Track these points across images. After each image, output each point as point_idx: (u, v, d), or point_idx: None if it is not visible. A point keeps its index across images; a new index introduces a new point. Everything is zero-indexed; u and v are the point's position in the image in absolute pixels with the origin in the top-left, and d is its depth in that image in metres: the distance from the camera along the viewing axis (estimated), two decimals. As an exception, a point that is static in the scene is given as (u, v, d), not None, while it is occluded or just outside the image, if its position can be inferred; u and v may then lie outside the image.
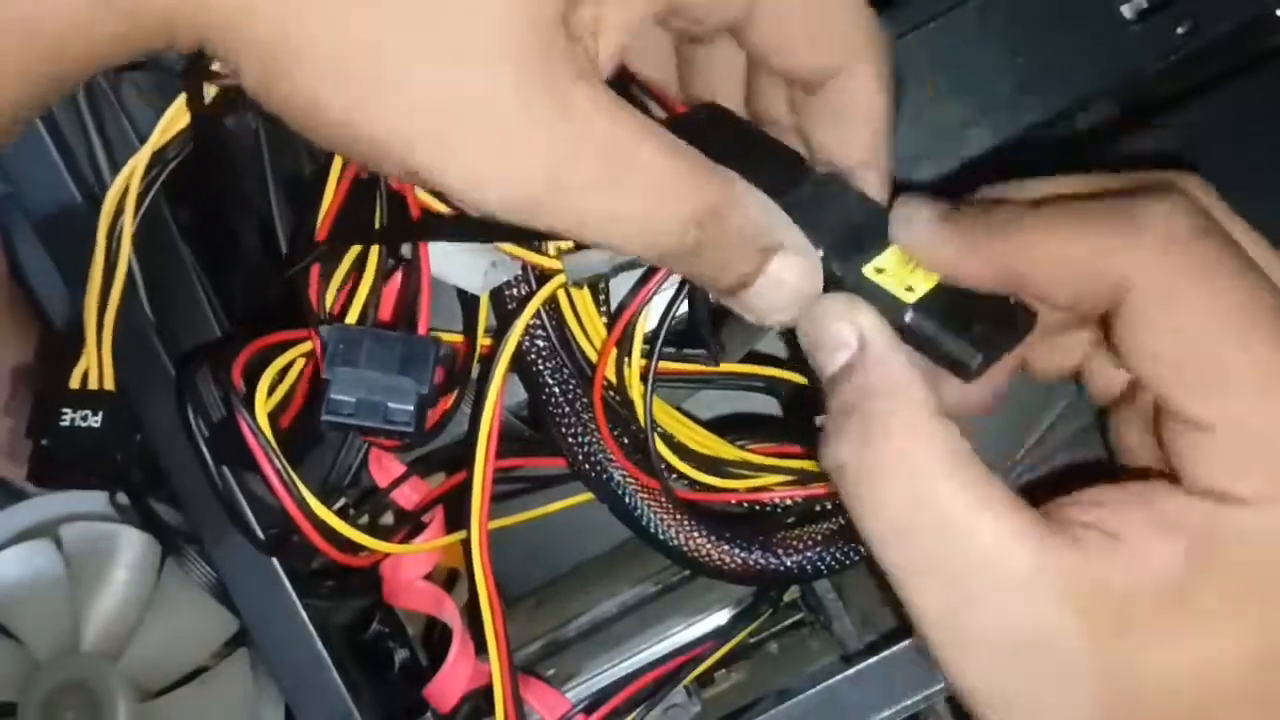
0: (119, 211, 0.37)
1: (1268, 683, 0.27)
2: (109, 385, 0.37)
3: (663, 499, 0.38)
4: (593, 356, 0.38)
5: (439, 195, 0.34)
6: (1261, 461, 0.27)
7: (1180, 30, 0.39)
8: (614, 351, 0.38)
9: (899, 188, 0.32)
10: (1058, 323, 0.31)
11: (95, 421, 0.37)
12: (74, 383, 0.37)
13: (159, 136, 0.37)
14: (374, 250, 0.35)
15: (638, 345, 0.37)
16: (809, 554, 0.39)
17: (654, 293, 0.36)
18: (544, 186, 0.27)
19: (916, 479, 0.28)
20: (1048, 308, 0.30)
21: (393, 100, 0.26)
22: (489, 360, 0.37)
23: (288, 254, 0.37)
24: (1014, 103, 0.39)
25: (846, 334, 0.29)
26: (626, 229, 0.28)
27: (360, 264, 0.36)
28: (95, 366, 0.37)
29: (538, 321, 0.37)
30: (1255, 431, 0.27)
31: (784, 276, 0.30)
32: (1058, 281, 0.28)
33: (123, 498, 0.50)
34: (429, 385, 0.34)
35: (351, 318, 0.35)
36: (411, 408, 0.34)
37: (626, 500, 0.38)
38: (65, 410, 0.37)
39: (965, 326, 0.29)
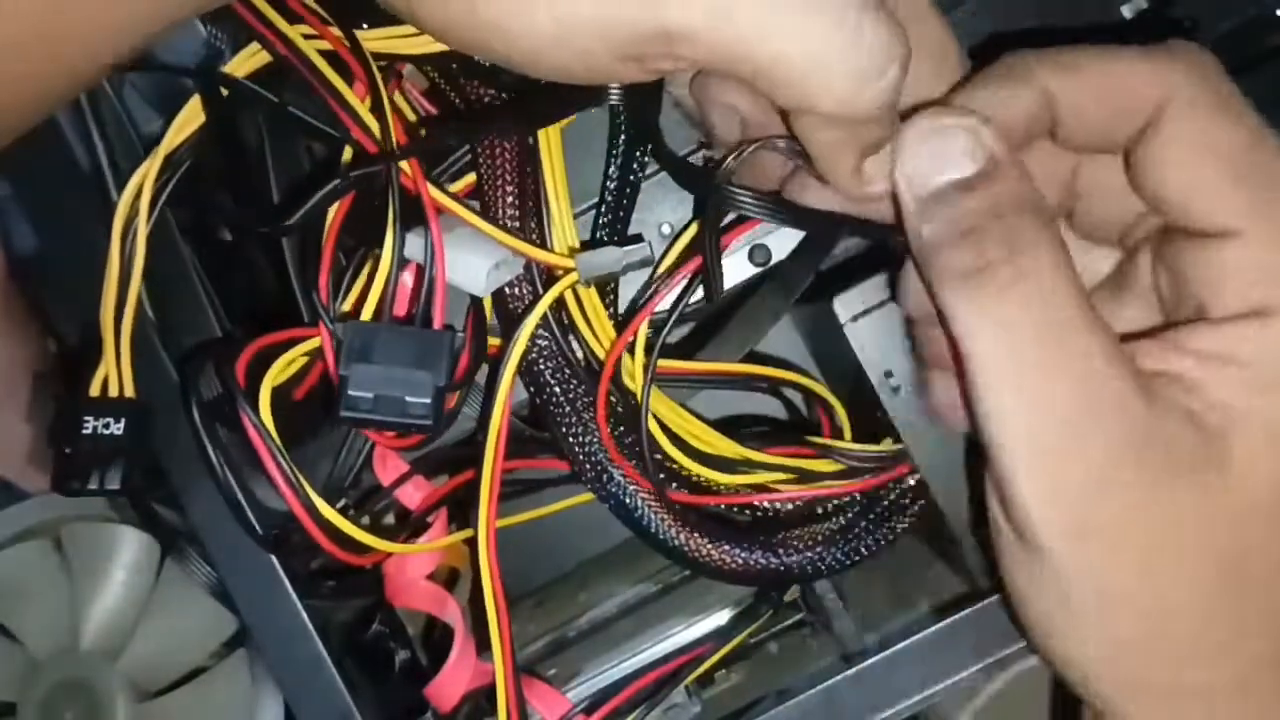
0: (133, 215, 0.37)
1: None
2: (129, 391, 0.37)
3: (663, 499, 0.38)
4: (601, 355, 0.38)
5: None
6: None
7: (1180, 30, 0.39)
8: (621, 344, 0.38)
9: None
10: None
11: (118, 429, 0.37)
12: (94, 389, 0.37)
13: (172, 138, 0.37)
14: (388, 245, 0.34)
15: (641, 341, 0.37)
16: (810, 554, 0.39)
17: (667, 295, 0.36)
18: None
19: (1053, 289, 0.28)
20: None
21: None
22: (495, 360, 0.37)
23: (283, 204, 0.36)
24: (1014, 103, 0.39)
25: (972, 148, 0.29)
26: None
27: (368, 262, 0.36)
28: (114, 372, 0.37)
29: (540, 321, 0.37)
30: None
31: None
32: (1099, 99, 0.29)
33: (122, 497, 0.50)
34: (445, 378, 0.34)
35: (367, 313, 0.35)
36: (429, 400, 0.34)
37: (627, 501, 0.38)
38: (87, 418, 0.37)
39: None
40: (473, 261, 0.35)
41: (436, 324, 0.35)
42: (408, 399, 0.34)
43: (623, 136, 0.37)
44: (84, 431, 0.37)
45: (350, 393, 0.34)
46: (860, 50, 0.27)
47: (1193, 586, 0.28)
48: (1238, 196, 0.28)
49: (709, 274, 0.36)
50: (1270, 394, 0.28)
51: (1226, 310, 0.28)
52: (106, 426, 0.37)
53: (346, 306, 0.36)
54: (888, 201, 0.31)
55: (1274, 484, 0.28)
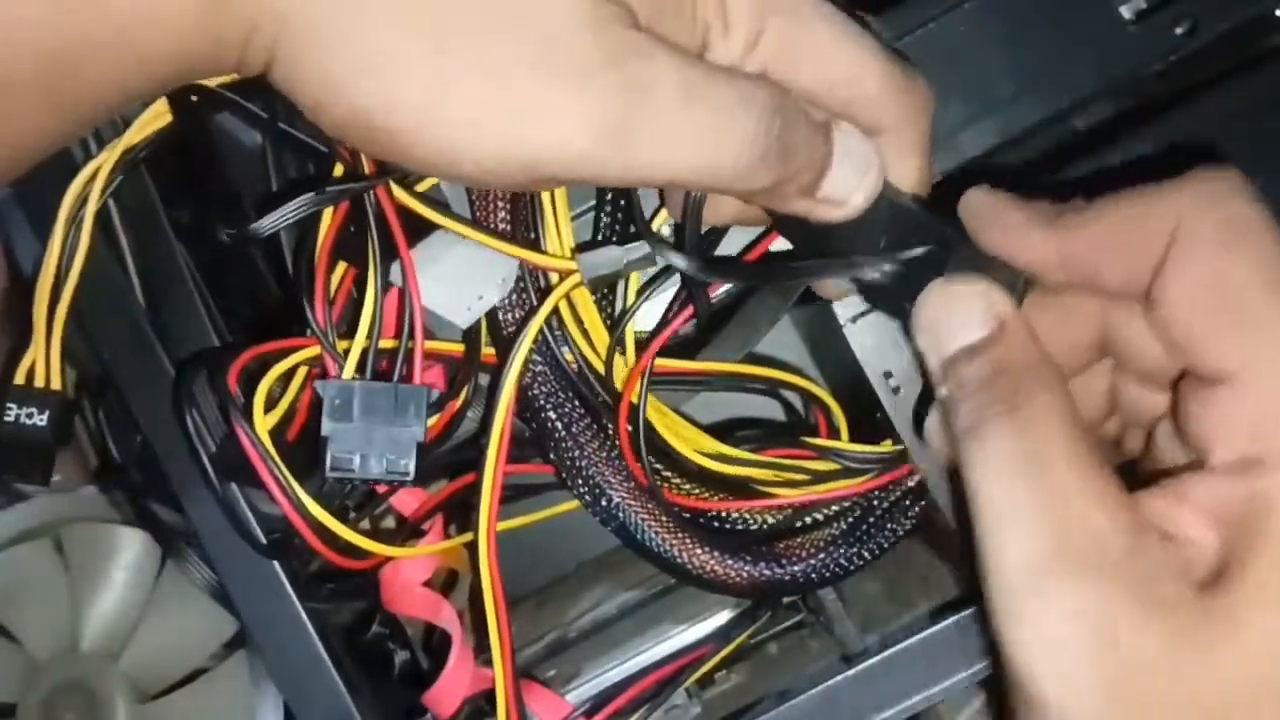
0: (80, 203, 0.36)
1: None
2: (55, 383, 0.37)
3: (663, 516, 0.38)
4: (593, 361, 0.38)
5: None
6: None
7: (1180, 30, 0.39)
8: (610, 349, 0.38)
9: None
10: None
11: (41, 420, 0.37)
12: (19, 377, 0.37)
13: (133, 134, 0.37)
14: (370, 284, 0.35)
15: (630, 342, 0.37)
16: (813, 561, 0.38)
17: (680, 327, 0.37)
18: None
19: (1045, 439, 0.28)
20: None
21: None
22: (494, 367, 0.37)
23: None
24: (1014, 103, 0.39)
25: (981, 313, 0.30)
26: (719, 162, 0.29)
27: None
28: (42, 360, 0.37)
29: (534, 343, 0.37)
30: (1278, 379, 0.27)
31: (852, 143, 0.31)
32: (1113, 251, 0.29)
33: (122, 497, 0.50)
34: (425, 432, 0.35)
35: (349, 368, 0.35)
36: (411, 459, 0.35)
37: (627, 523, 0.38)
38: (10, 405, 0.37)
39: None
40: (456, 290, 0.36)
41: (416, 378, 0.35)
42: (390, 457, 0.35)
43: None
44: (5, 419, 0.37)
45: (335, 453, 0.34)
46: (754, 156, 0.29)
47: None
48: (1233, 338, 0.27)
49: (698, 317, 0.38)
50: (1259, 553, 0.26)
51: (1220, 460, 0.28)
52: (30, 416, 0.37)
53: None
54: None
55: (1270, 649, 0.26)
